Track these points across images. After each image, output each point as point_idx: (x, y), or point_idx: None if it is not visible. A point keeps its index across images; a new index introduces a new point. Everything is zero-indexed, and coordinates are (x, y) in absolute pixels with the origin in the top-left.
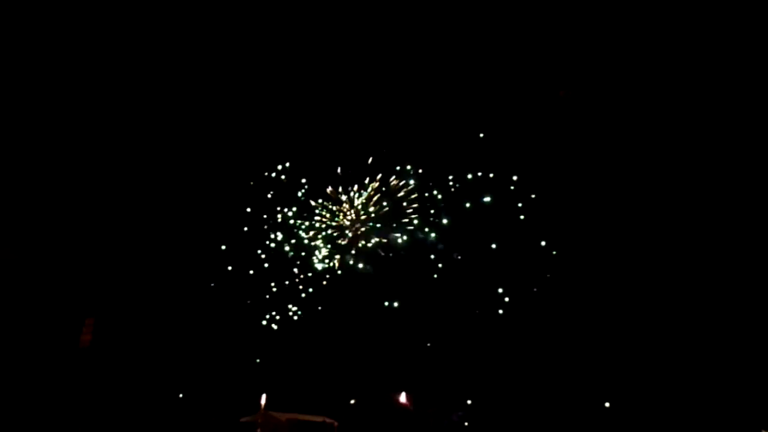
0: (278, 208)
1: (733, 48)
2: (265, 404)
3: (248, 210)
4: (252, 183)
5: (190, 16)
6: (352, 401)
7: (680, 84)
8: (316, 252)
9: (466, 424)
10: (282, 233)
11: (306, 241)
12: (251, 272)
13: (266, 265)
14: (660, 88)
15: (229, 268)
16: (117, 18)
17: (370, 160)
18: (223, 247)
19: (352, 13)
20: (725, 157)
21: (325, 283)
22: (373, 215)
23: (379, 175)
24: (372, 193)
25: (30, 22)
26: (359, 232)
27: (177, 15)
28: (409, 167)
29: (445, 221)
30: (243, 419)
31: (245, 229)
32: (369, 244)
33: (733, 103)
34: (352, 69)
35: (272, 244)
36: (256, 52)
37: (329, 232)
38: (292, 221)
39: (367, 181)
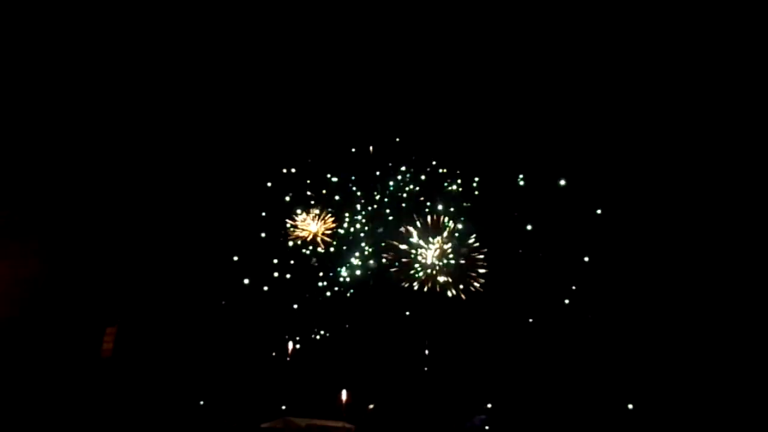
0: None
1: (734, 48)
2: (285, 410)
3: (263, 214)
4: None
5: (199, 16)
6: (371, 406)
7: (684, 85)
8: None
9: (487, 428)
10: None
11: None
12: (274, 280)
13: (288, 275)
14: (663, 89)
15: (248, 277)
16: (119, 18)
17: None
18: (238, 257)
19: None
20: (729, 158)
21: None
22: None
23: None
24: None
25: (30, 22)
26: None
27: (184, 16)
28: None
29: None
30: (264, 425)
31: (264, 235)
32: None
33: (735, 104)
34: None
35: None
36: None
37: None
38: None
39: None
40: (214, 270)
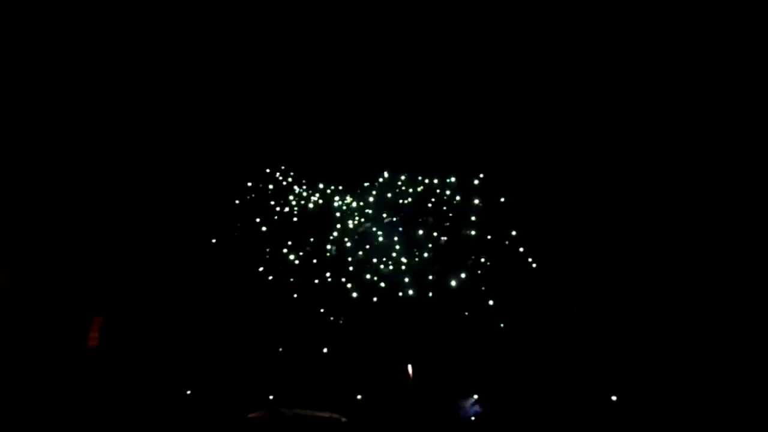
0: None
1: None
2: (273, 400)
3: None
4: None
5: (190, 16)
6: (359, 396)
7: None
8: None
9: (473, 418)
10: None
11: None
12: (258, 268)
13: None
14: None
15: (236, 264)
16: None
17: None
18: (232, 243)
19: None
20: (725, 158)
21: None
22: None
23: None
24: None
25: (30, 22)
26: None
27: (177, 15)
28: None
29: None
30: (251, 415)
31: (251, 225)
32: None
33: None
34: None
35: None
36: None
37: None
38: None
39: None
40: (203, 259)
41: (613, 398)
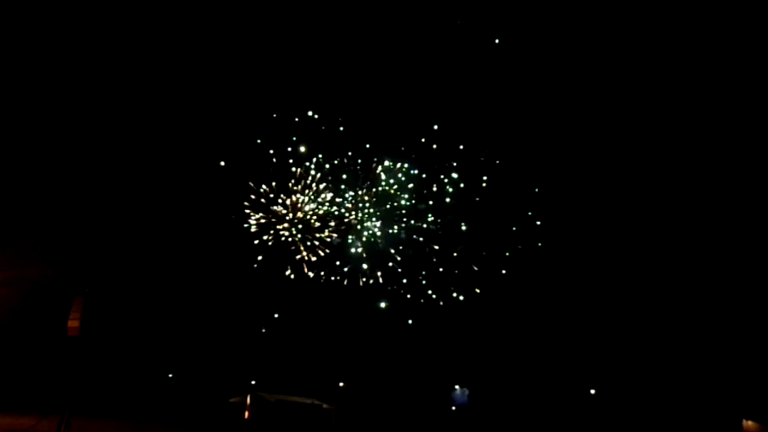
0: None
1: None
2: (255, 385)
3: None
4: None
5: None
6: (341, 384)
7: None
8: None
9: (453, 407)
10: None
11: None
12: (240, 253)
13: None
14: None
15: (218, 248)
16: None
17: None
18: (213, 229)
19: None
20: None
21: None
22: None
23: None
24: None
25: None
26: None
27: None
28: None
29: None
30: (232, 399)
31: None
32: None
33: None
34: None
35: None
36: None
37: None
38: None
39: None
40: (182, 244)
41: (592, 391)
